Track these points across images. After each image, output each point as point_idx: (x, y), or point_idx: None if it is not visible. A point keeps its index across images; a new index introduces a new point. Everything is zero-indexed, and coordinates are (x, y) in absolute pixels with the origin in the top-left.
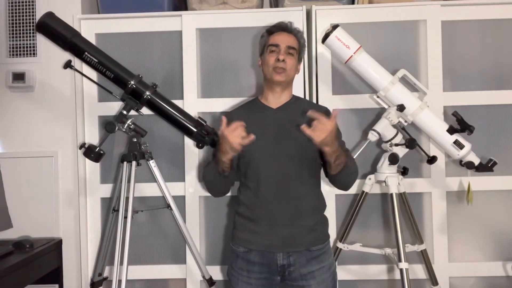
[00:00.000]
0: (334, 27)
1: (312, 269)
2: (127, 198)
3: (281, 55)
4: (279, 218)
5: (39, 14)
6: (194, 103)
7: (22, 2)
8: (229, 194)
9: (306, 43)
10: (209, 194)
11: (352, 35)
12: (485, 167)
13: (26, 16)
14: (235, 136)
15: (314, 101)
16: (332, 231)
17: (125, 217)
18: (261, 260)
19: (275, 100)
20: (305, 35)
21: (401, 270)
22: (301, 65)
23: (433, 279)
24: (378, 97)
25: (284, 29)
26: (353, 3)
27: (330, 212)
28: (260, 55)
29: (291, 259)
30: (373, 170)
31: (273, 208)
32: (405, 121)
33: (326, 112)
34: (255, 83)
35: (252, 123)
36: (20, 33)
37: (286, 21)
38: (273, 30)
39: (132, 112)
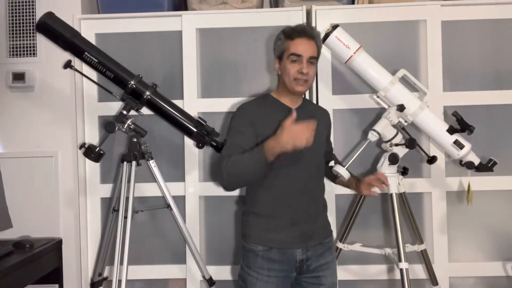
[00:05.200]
0: (334, 27)
1: (327, 260)
2: (127, 198)
3: (305, 68)
4: (302, 215)
5: (39, 14)
6: (194, 103)
7: (22, 2)
8: (236, 193)
9: (322, 44)
10: (209, 194)
11: (352, 35)
12: (485, 167)
13: (26, 16)
14: (306, 133)
15: (314, 101)
16: (333, 231)
17: (125, 217)
18: (281, 258)
19: (292, 102)
20: None
21: (401, 270)
22: None
23: (433, 279)
24: (378, 97)
25: (304, 35)
26: (353, 3)
27: (330, 212)
28: (277, 58)
29: (309, 254)
30: (373, 170)
31: (296, 205)
32: (405, 121)
33: (327, 113)
34: (255, 83)
35: (274, 122)
36: (20, 33)
37: (275, 22)
38: (292, 35)
39: (132, 112)
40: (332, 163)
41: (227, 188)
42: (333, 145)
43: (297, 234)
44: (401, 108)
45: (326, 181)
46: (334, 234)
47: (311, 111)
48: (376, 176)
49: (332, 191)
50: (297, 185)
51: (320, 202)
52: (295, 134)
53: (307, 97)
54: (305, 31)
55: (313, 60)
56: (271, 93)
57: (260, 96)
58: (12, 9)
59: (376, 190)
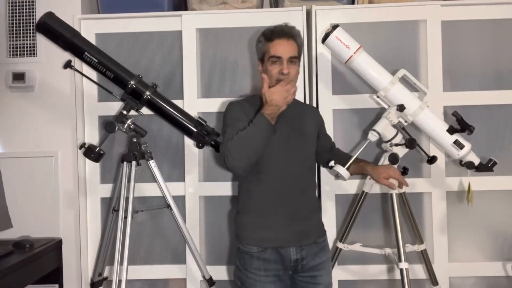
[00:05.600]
0: (334, 27)
1: (322, 259)
2: (127, 198)
3: (285, 69)
4: (298, 213)
5: (39, 14)
6: (194, 103)
7: (22, 2)
8: (229, 194)
9: (303, 41)
10: (209, 194)
11: (352, 35)
12: (485, 167)
13: (26, 16)
14: (289, 88)
15: (314, 101)
16: (332, 231)
17: (125, 217)
18: (276, 257)
19: None
20: (305, 35)
21: (401, 270)
22: (301, 62)
23: (433, 279)
24: (378, 97)
25: (283, 36)
26: (353, 3)
27: (330, 212)
28: (259, 60)
29: (304, 253)
30: None
31: (292, 203)
32: (405, 121)
33: (316, 110)
34: (255, 82)
35: None
36: (20, 33)
37: (282, 23)
38: (271, 36)
39: (132, 112)
40: (332, 163)
41: (237, 169)
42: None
43: (294, 232)
44: (401, 108)
45: (326, 182)
46: (334, 234)
47: (297, 109)
48: (399, 178)
49: (332, 191)
50: (290, 181)
51: (314, 200)
52: (281, 93)
53: (307, 96)
54: (283, 32)
55: (294, 59)
56: (258, 94)
57: (248, 96)
58: (12, 9)
59: (395, 183)
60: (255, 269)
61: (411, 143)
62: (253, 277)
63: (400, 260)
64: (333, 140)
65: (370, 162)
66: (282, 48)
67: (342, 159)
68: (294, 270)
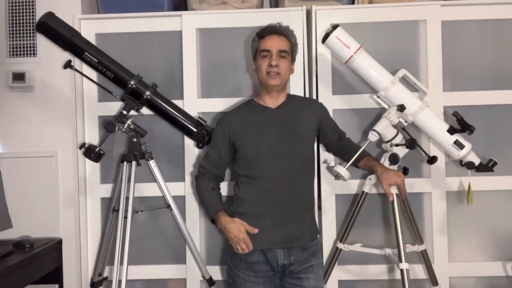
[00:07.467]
0: (334, 27)
1: (312, 263)
2: (127, 198)
3: (273, 60)
4: (287, 214)
5: (39, 14)
6: (194, 103)
7: (22, 2)
8: (225, 194)
9: (297, 41)
10: None
11: (352, 35)
12: (486, 167)
13: (26, 16)
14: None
15: None
16: (332, 231)
17: (125, 217)
18: (264, 259)
19: (273, 101)
20: (305, 35)
21: (401, 270)
22: (296, 64)
23: (433, 279)
24: (378, 97)
25: (274, 32)
26: (353, 3)
27: (330, 212)
28: (253, 59)
29: (292, 259)
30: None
31: (281, 204)
32: (405, 121)
33: (316, 104)
34: (255, 83)
35: (254, 124)
36: (20, 33)
37: (275, 22)
38: (263, 34)
39: (132, 112)
40: (332, 163)
41: None
42: None
43: (282, 234)
44: (401, 108)
45: (326, 182)
46: (334, 234)
47: (294, 107)
48: (403, 189)
49: (332, 191)
50: (280, 182)
51: (306, 202)
52: (235, 238)
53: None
54: (274, 29)
55: (284, 54)
56: (254, 98)
57: (243, 102)
58: (12, 9)
59: (393, 191)
60: (245, 269)
61: (411, 144)
62: (243, 276)
63: (400, 261)
64: None
65: (381, 163)
66: (271, 42)
67: (350, 152)
68: (282, 274)
